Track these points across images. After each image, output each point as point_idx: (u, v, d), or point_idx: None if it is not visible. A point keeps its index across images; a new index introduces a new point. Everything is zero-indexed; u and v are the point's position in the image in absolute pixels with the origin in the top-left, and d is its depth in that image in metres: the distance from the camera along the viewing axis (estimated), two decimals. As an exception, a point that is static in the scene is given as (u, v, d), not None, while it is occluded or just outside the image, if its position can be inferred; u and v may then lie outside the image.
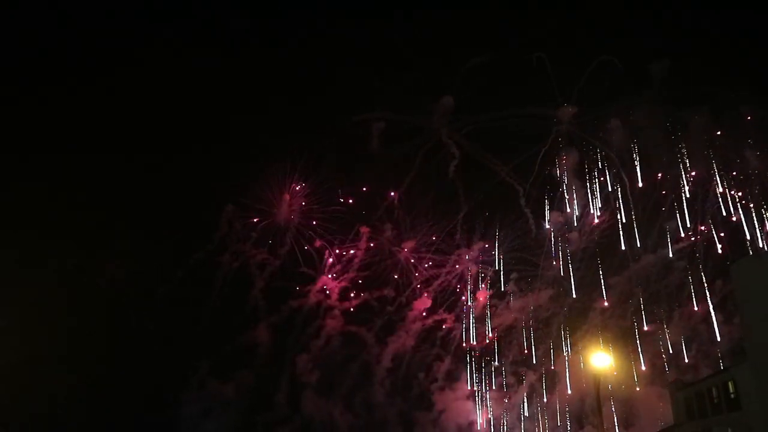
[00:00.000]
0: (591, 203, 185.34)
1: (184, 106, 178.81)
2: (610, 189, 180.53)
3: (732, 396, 48.91)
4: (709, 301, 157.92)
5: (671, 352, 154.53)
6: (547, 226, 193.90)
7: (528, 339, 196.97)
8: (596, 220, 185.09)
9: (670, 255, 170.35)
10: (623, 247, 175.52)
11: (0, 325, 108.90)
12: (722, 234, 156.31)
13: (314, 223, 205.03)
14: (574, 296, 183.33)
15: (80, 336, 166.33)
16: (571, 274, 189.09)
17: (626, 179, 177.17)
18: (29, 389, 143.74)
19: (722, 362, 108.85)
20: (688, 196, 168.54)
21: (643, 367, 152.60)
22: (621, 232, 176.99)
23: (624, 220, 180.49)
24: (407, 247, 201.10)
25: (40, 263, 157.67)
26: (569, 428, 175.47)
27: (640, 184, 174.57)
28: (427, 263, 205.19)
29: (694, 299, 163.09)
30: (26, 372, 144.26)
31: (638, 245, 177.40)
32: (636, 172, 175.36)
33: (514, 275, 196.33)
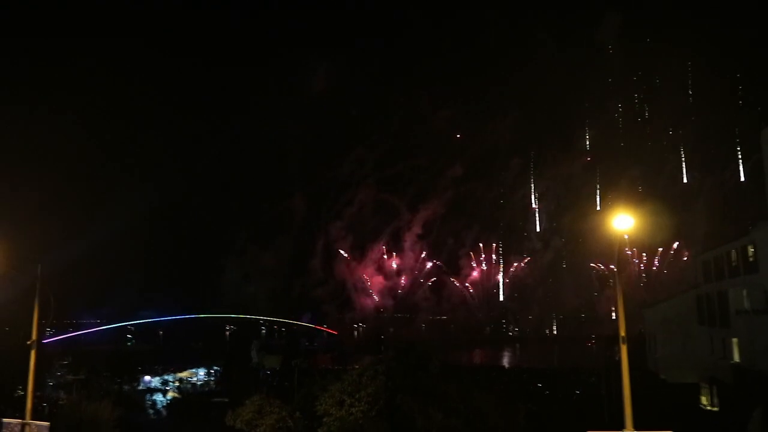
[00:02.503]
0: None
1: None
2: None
3: (750, 259, 49.66)
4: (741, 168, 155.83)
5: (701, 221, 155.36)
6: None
7: (558, 205, 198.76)
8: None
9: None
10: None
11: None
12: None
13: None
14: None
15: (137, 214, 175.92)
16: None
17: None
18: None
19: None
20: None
21: (670, 233, 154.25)
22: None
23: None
24: (443, 115, 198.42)
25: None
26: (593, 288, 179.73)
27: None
28: (462, 132, 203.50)
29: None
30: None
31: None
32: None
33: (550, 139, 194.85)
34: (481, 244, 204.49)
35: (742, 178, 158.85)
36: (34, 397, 25.73)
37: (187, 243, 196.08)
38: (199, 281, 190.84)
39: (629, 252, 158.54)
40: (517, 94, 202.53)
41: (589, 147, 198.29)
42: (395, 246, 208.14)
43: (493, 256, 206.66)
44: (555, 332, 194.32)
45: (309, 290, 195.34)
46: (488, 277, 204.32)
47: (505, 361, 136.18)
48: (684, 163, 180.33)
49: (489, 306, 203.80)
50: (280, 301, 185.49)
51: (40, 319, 25.62)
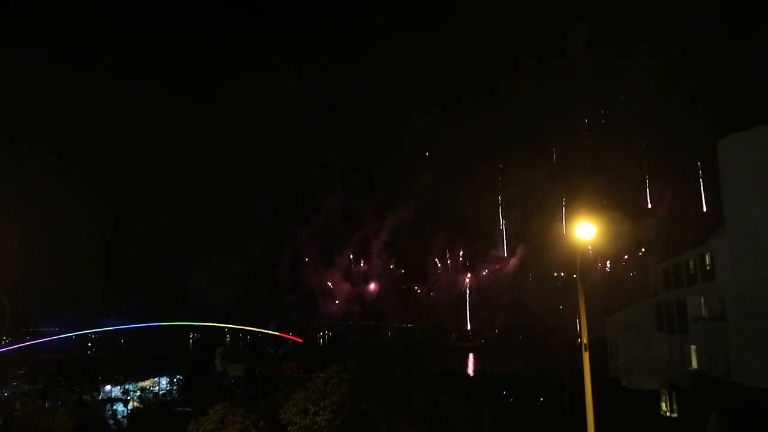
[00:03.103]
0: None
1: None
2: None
3: (707, 267, 50.76)
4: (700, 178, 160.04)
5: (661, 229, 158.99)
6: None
7: (524, 213, 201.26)
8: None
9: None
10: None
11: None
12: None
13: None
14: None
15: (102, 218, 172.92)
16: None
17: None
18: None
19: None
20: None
21: (632, 241, 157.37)
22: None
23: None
24: (412, 122, 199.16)
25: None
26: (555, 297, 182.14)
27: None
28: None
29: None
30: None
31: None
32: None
33: (516, 147, 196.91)
34: (447, 252, 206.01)
35: (702, 188, 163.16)
36: (-13, 408, 25.03)
37: (152, 249, 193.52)
38: (164, 288, 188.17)
39: (593, 256, 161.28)
40: (487, 102, 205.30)
41: (556, 156, 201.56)
42: (363, 253, 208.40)
43: (460, 264, 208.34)
44: (521, 339, 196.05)
45: (276, 297, 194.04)
46: (455, 285, 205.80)
47: (471, 368, 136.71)
48: (647, 172, 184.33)
49: (455, 313, 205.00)
50: (246, 308, 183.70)
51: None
